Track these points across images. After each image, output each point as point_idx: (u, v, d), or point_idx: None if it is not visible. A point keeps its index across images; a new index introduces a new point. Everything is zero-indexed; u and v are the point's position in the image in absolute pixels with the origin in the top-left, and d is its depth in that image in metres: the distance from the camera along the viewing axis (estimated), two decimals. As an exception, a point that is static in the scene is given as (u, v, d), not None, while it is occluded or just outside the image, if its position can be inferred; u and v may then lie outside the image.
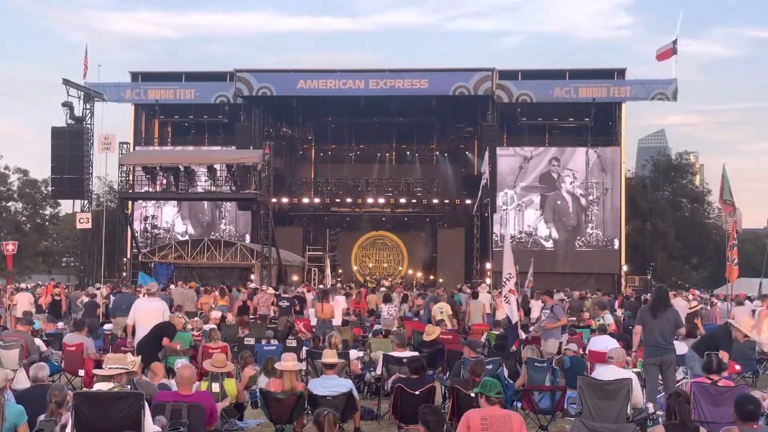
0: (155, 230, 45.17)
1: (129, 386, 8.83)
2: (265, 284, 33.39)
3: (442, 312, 20.83)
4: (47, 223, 62.70)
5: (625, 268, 46.92)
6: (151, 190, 37.81)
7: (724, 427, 7.33)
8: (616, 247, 46.80)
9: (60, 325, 20.56)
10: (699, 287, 46.61)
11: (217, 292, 26.71)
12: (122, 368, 8.58)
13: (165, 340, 13.39)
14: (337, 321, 20.49)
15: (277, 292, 26.11)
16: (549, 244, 47.44)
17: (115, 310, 20.30)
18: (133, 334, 14.39)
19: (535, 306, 23.72)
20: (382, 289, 35.29)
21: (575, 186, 47.41)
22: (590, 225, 47.25)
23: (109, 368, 8.49)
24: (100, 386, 8.48)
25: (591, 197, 47.19)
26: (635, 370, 11.98)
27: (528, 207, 48.07)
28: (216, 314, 21.45)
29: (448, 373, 13.60)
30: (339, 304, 22.45)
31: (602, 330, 16.40)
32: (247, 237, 47.29)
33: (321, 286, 35.55)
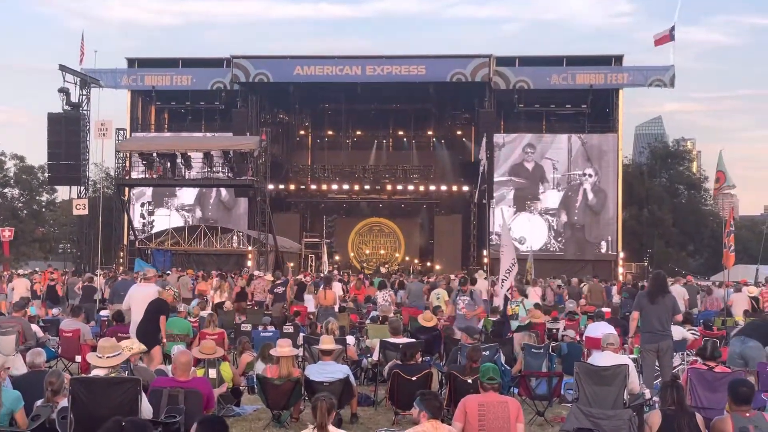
0: (151, 217, 45.02)
1: (126, 372, 8.82)
2: (261, 270, 33.36)
3: (438, 298, 20.80)
4: (44, 210, 62.76)
5: (622, 255, 46.90)
6: (147, 176, 37.75)
7: (716, 417, 7.34)
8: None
9: (55, 311, 20.51)
10: (696, 274, 46.67)
11: (216, 279, 26.67)
12: (116, 354, 8.54)
13: (162, 320, 13.32)
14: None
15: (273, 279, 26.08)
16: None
17: (113, 296, 20.29)
18: (122, 318, 14.43)
19: (532, 293, 23.76)
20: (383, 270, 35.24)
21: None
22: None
23: (107, 357, 8.45)
24: (97, 372, 8.48)
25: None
26: (632, 356, 12.00)
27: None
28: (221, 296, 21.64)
29: (444, 360, 13.60)
30: (337, 291, 22.43)
31: (513, 318, 16.06)
32: (244, 224, 47.19)
33: (320, 274, 35.57)
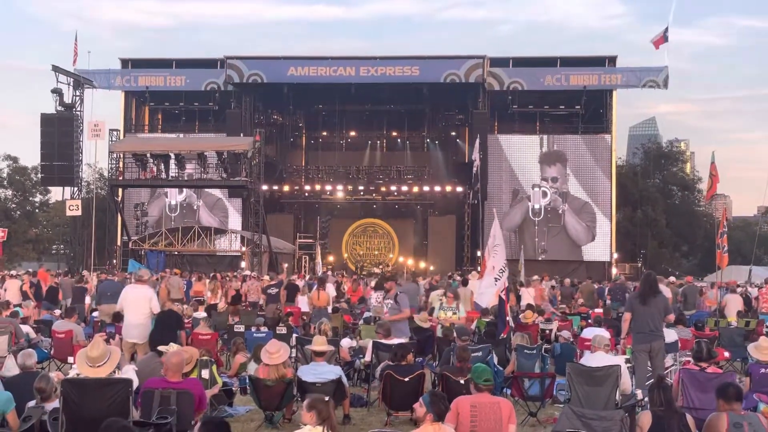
0: (145, 218, 44.97)
1: (116, 371, 8.80)
2: (256, 271, 33.35)
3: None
4: (37, 211, 62.59)
5: (615, 255, 46.94)
6: (141, 177, 37.68)
7: (712, 413, 7.35)
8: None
9: (57, 312, 20.45)
10: (689, 274, 46.74)
11: (207, 280, 26.68)
12: (106, 362, 8.50)
13: (182, 335, 13.42)
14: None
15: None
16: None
17: (100, 297, 20.25)
18: (121, 319, 14.39)
19: (525, 293, 23.77)
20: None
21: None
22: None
23: (98, 366, 8.40)
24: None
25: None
26: (625, 356, 12.02)
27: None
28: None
29: (437, 360, 13.61)
30: (330, 292, 22.43)
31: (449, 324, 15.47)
32: (238, 224, 47.12)
33: (312, 274, 35.58)
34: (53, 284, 24.22)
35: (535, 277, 28.65)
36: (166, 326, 13.17)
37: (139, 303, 13.60)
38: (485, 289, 15.74)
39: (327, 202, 53.16)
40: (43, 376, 8.85)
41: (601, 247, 46.38)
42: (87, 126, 41.61)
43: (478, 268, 33.76)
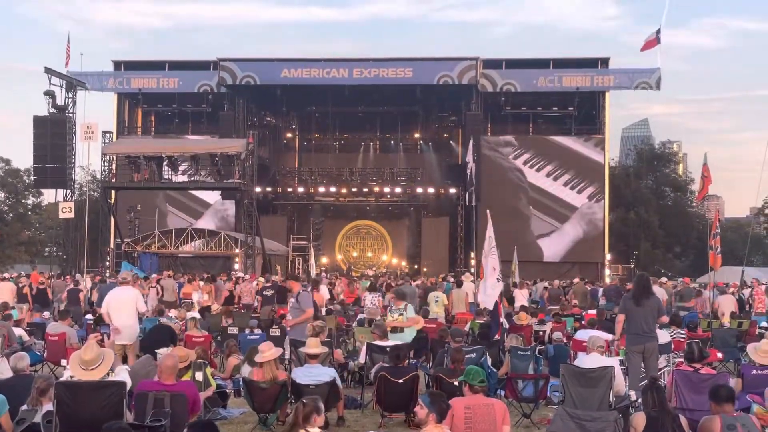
0: (138, 220, 44.88)
1: (110, 373, 8.78)
2: (249, 274, 33.31)
3: (437, 301, 20.68)
4: (29, 213, 62.48)
5: (608, 256, 47.01)
6: (134, 179, 37.60)
7: (705, 416, 7.36)
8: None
9: (46, 314, 20.41)
10: (682, 276, 46.83)
11: (201, 282, 26.64)
12: (99, 365, 8.48)
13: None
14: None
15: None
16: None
17: (101, 299, 20.20)
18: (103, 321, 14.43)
19: (519, 295, 23.81)
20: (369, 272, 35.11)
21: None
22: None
23: (91, 369, 8.39)
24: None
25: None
26: (618, 358, 12.03)
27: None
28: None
29: (431, 362, 13.60)
30: (323, 294, 22.40)
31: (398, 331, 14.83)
32: (231, 226, 47.07)
33: (306, 276, 35.53)
34: (38, 286, 24.19)
35: (576, 279, 29.16)
36: (161, 342, 13.12)
37: (124, 305, 13.53)
38: (491, 290, 15.74)
39: (320, 204, 53.14)
40: (43, 375, 8.90)
41: (594, 249, 46.45)
42: (80, 128, 41.48)
43: (472, 270, 33.79)
